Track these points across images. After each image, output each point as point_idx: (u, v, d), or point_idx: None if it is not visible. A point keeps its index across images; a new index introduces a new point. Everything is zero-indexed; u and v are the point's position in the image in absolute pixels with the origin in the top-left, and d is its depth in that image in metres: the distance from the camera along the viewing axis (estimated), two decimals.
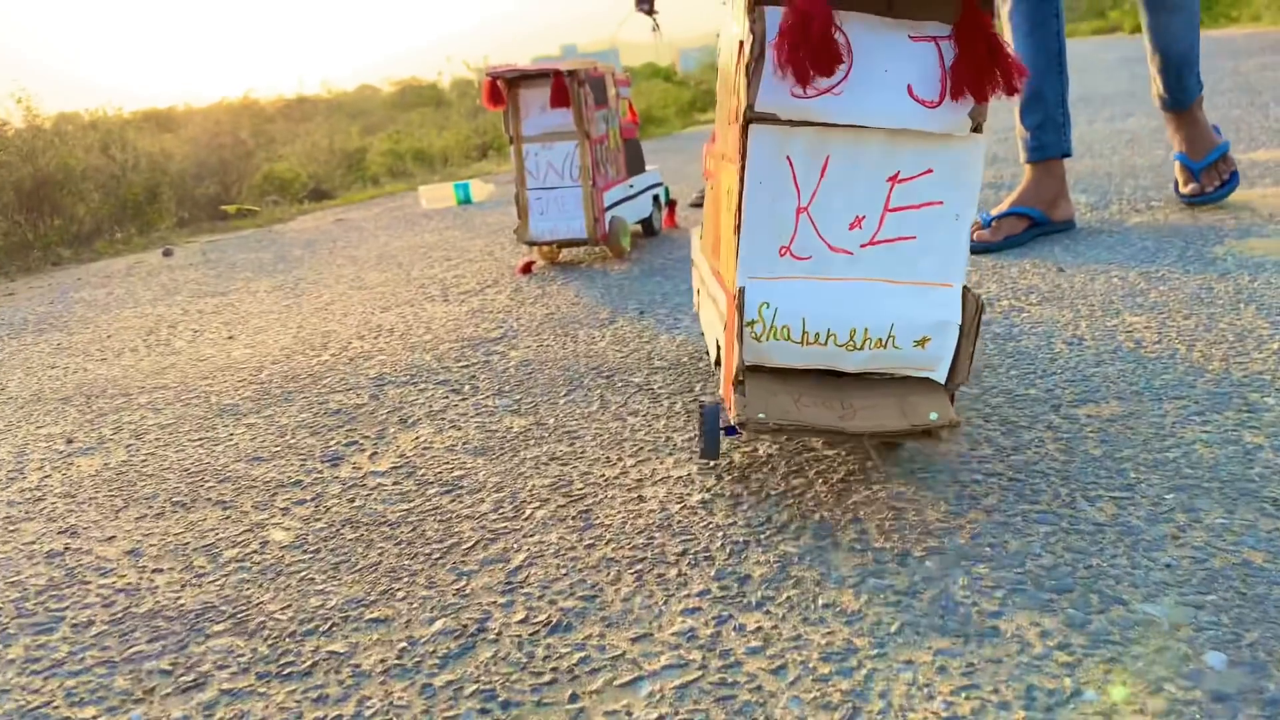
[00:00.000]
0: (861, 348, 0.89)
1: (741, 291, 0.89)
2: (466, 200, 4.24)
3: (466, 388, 1.47)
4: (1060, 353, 1.32)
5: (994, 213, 2.05)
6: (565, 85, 2.19)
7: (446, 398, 1.44)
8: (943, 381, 0.91)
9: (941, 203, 0.87)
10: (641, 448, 1.15)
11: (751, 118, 0.85)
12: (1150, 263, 1.74)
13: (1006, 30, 2.08)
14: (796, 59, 0.81)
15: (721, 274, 1.01)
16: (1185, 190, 2.19)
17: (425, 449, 1.24)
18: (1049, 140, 2.07)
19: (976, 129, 0.86)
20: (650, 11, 2.82)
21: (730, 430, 1.01)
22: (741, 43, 0.86)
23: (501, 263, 2.54)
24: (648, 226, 2.67)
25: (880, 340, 0.89)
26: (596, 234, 2.27)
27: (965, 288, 0.89)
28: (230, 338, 2.03)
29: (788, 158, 0.87)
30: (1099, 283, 1.65)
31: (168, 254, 3.72)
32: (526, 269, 2.37)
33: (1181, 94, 2.15)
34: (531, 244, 2.34)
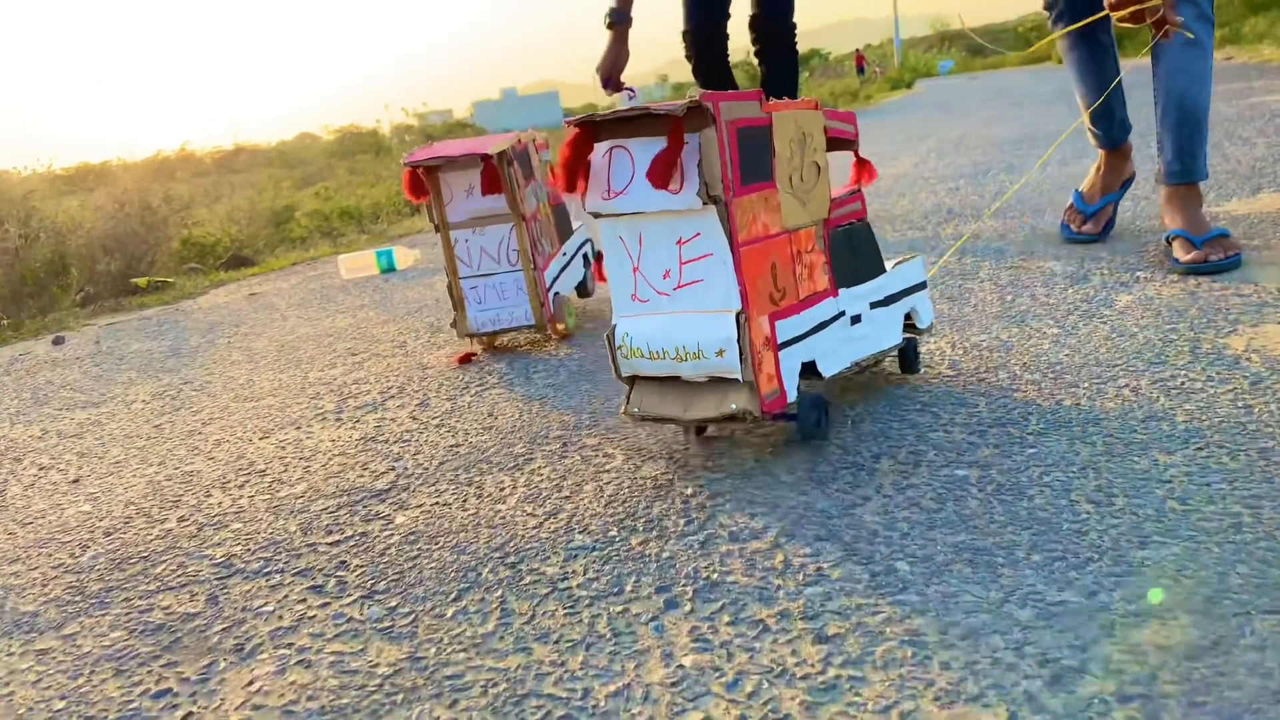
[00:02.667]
0: (686, 360, 1.22)
1: (614, 327, 1.29)
2: (390, 268, 3.89)
3: (331, 583, 1.11)
4: (1089, 518, 1.01)
5: (1088, 205, 2.36)
6: (496, 170, 1.98)
7: (304, 600, 1.08)
8: (742, 380, 1.20)
9: (712, 254, 1.18)
10: (548, 714, 0.82)
11: (592, 214, 1.25)
12: (1159, 363, 1.44)
13: (1067, 59, 2.33)
14: (559, 181, 1.25)
15: None
16: (1186, 258, 1.94)
17: (256, 709, 0.89)
18: (1119, 134, 2.35)
19: (711, 199, 1.15)
20: (619, 89, 2.72)
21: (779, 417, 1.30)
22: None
23: (412, 359, 2.20)
24: (581, 289, 2.45)
25: (695, 354, 1.21)
26: (545, 319, 2.07)
27: (738, 312, 1.18)
28: (75, 481, 1.66)
29: (620, 237, 1.25)
30: (1109, 397, 1.34)
31: (58, 342, 3.33)
32: (466, 359, 2.12)
33: (1194, 160, 2.04)
34: (472, 336, 2.13)
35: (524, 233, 2.02)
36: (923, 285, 1.53)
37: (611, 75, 2.76)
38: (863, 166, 1.44)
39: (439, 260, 3.99)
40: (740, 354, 1.18)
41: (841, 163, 1.46)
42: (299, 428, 1.79)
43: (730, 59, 3.04)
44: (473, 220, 2.04)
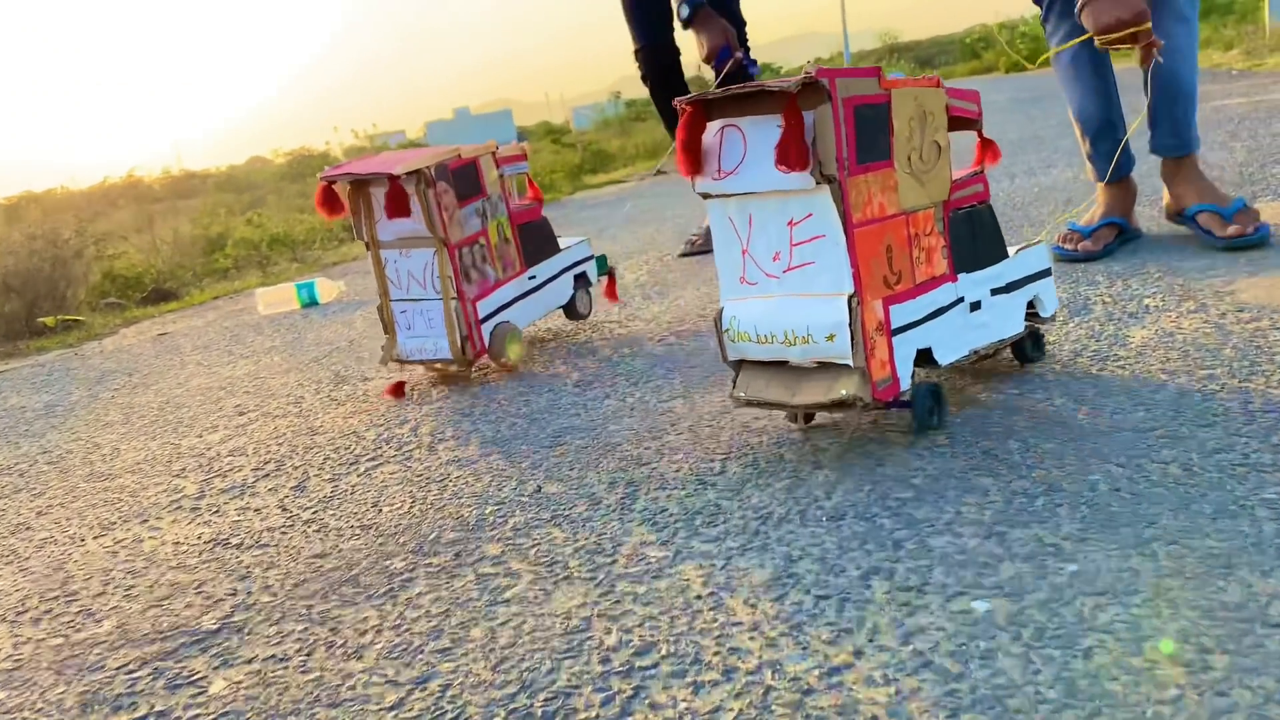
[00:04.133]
0: (794, 344, 1.18)
1: (720, 310, 1.25)
2: (311, 302, 3.52)
3: None
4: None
5: (1084, 223, 2.12)
6: (403, 192, 1.77)
7: None
8: (853, 365, 1.14)
9: (824, 235, 1.13)
10: None
11: (702, 195, 1.22)
12: (1208, 425, 1.12)
13: (1066, 75, 2.14)
14: (680, 161, 1.21)
15: None
16: (1226, 233, 1.94)
17: None
18: (1123, 161, 2.12)
19: (825, 179, 1.10)
20: (732, 58, 2.62)
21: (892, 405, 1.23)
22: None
23: (304, 420, 1.84)
24: (571, 310, 2.19)
25: (804, 338, 1.17)
26: (467, 353, 1.85)
27: (850, 295, 1.12)
28: None
29: (729, 218, 1.21)
30: (1153, 480, 1.02)
31: None
32: (397, 391, 1.92)
33: (1189, 131, 2.05)
34: (401, 363, 1.93)
35: (446, 259, 1.81)
36: (1047, 272, 1.44)
37: (728, 46, 2.61)
38: (987, 146, 1.35)
39: (364, 292, 3.63)
40: (852, 338, 1.13)
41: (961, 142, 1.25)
42: (145, 521, 1.43)
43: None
44: (400, 240, 1.84)
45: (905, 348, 1.19)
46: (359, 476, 1.46)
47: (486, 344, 1.88)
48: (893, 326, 1.16)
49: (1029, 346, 1.44)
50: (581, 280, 2.18)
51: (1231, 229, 1.92)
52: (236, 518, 1.38)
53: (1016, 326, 1.38)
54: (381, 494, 1.37)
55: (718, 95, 1.15)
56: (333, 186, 1.82)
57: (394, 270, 1.86)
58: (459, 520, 1.22)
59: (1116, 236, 2.11)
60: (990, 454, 1.15)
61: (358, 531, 1.24)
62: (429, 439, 1.59)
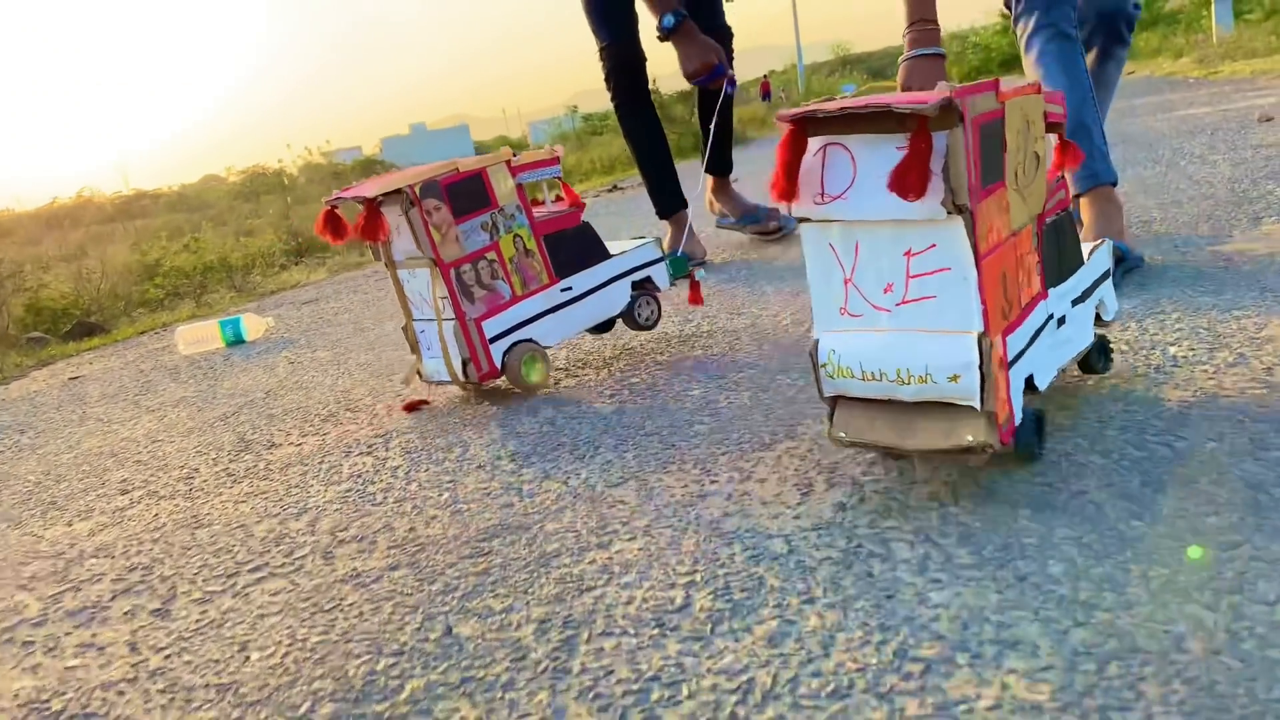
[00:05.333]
0: (908, 383, 1.05)
1: (816, 342, 1.11)
2: (237, 340, 3.20)
3: None
4: None
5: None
6: (377, 214, 1.69)
7: None
8: (981, 409, 1.01)
9: (949, 269, 1.00)
10: None
11: (799, 219, 1.07)
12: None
13: (1032, 73, 1.99)
14: (777, 186, 1.04)
15: None
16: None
17: None
18: (1100, 168, 1.97)
19: (956, 210, 0.96)
20: (722, 75, 2.55)
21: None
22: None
23: (188, 508, 1.53)
24: (630, 320, 2.01)
25: (921, 378, 1.03)
26: (470, 375, 1.76)
27: (980, 334, 1.00)
28: None
29: (830, 245, 1.07)
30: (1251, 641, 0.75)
31: None
32: (412, 408, 1.87)
33: (1093, 164, 1.98)
34: (431, 383, 1.87)
35: (439, 279, 1.72)
36: (1109, 273, 1.36)
37: (715, 61, 2.51)
38: (1066, 149, 1.22)
39: (296, 327, 3.31)
40: (982, 381, 1.01)
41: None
42: None
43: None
44: (407, 260, 1.76)
45: (1016, 379, 1.07)
46: (234, 598, 1.16)
47: (499, 365, 1.77)
48: (1008, 359, 1.04)
49: (1096, 358, 1.34)
50: (644, 286, 2.01)
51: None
52: (73, 661, 1.07)
53: (1089, 337, 1.29)
54: (255, 628, 1.07)
55: (827, 113, 1.00)
56: (335, 210, 1.71)
57: (410, 290, 1.79)
58: (341, 681, 0.92)
59: (1119, 264, 1.87)
60: (1030, 585, 0.87)
61: (212, 695, 0.94)
62: (327, 539, 1.28)
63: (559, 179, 1.94)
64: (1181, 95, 6.40)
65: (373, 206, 1.68)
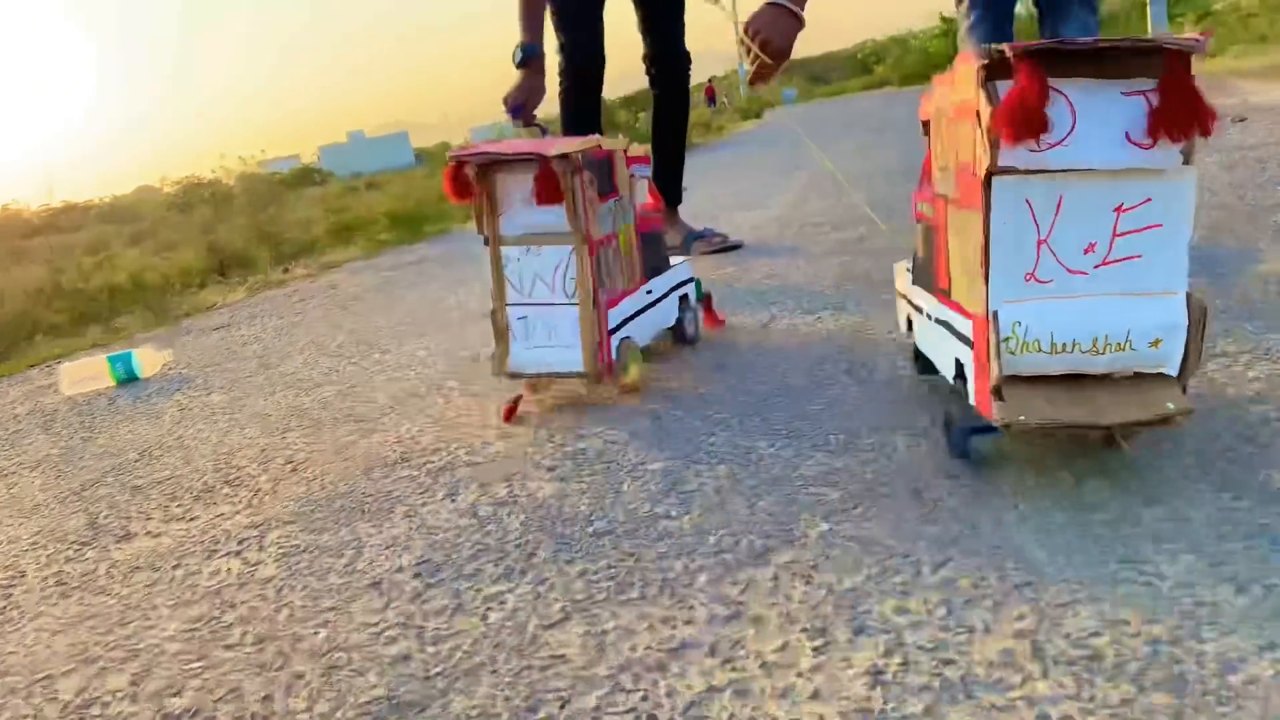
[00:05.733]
0: (1104, 353, 0.98)
1: (995, 315, 0.99)
2: (130, 377, 2.78)
3: None
4: None
5: None
6: (556, 175, 1.53)
7: None
8: (1174, 375, 0.97)
9: (1161, 225, 0.95)
10: None
11: (995, 171, 0.95)
12: None
13: (965, 47, 2.01)
14: (1013, 128, 0.92)
15: (961, 302, 1.09)
16: None
17: None
18: None
19: (1187, 160, 0.93)
20: (530, 123, 2.51)
21: (977, 430, 1.08)
22: (978, 111, 0.95)
23: (4, 630, 1.15)
24: (679, 333, 1.94)
25: (1120, 345, 0.97)
26: (598, 368, 1.61)
27: (1189, 293, 0.96)
28: None
29: (1027, 200, 0.97)
30: None
31: None
32: (511, 413, 1.64)
33: None
34: (514, 377, 1.66)
35: (586, 258, 1.58)
36: None
37: (524, 106, 2.47)
38: None
39: (199, 360, 2.90)
40: (1186, 344, 0.96)
41: None
42: None
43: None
44: (528, 236, 1.60)
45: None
46: None
47: (614, 359, 1.64)
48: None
49: None
50: (684, 301, 1.96)
51: None
52: None
53: None
54: None
55: (1052, 48, 0.91)
56: (464, 168, 1.57)
57: (515, 270, 1.61)
58: None
59: None
60: None
61: None
62: (148, 713, 0.91)
63: (647, 179, 1.92)
64: None
65: (457, 168, 1.56)
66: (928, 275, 1.26)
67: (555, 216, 1.56)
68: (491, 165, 1.57)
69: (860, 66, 21.23)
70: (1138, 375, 0.99)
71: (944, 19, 18.75)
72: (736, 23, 2.20)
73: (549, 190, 1.53)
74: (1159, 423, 0.96)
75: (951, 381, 1.17)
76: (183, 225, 11.70)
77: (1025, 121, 0.92)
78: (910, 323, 1.41)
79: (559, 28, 2.69)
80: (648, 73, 2.88)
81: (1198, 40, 0.91)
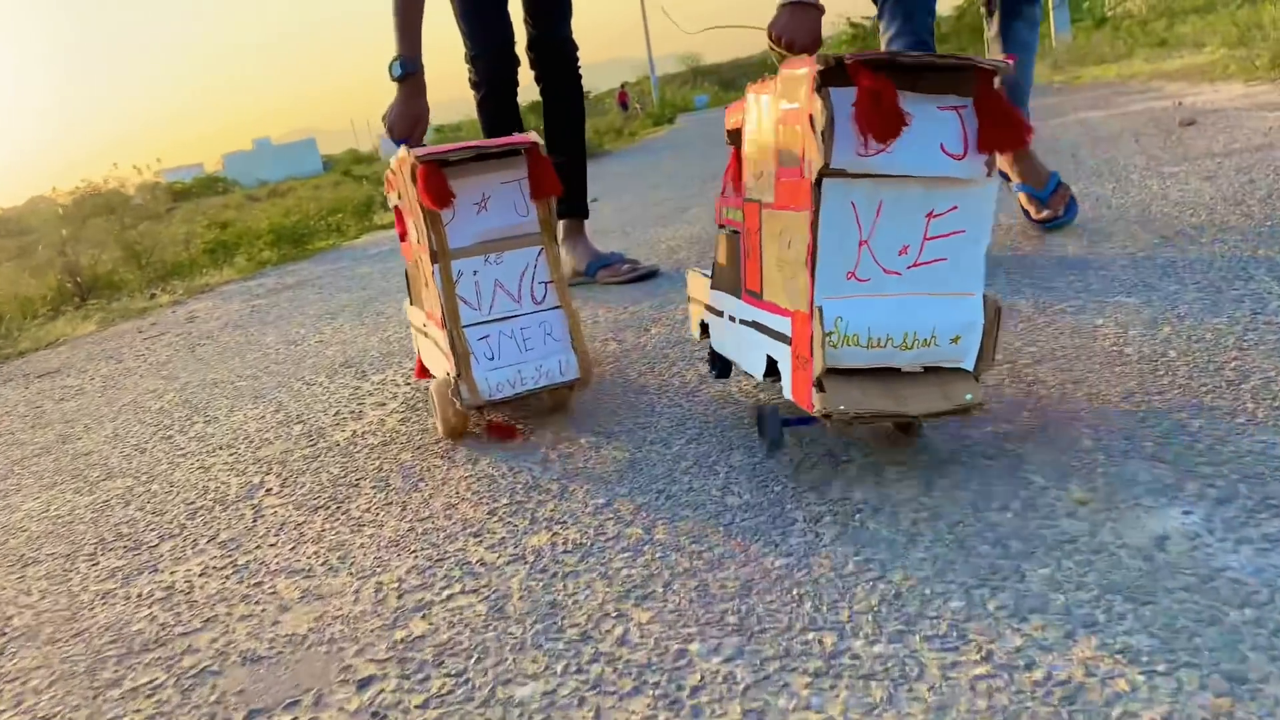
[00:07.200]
0: (911, 348, 1.02)
1: (819, 309, 1.01)
2: None
3: None
4: None
5: (1039, 189, 2.11)
6: (549, 165, 1.38)
7: None
8: (971, 369, 1.02)
9: (964, 231, 1.00)
10: None
11: (825, 174, 0.98)
12: None
13: (994, 52, 2.18)
14: (872, 126, 0.94)
15: (776, 301, 1.11)
16: (1040, 216, 2.13)
17: None
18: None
19: (990, 172, 0.98)
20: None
21: (788, 422, 1.13)
22: (810, 116, 0.97)
23: None
24: None
25: (926, 341, 1.01)
26: (589, 369, 1.42)
27: (985, 294, 1.01)
28: None
29: (852, 203, 1.00)
30: None
31: None
32: (509, 434, 1.42)
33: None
34: (484, 406, 1.39)
35: (557, 257, 1.42)
36: None
37: (413, 134, 2.09)
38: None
39: None
40: (983, 340, 1.01)
41: None
42: None
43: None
44: (483, 245, 1.39)
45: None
46: None
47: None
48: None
49: None
50: None
51: (1045, 213, 2.12)
52: None
53: None
54: None
55: (897, 60, 0.93)
56: (440, 168, 1.33)
57: (470, 285, 1.40)
58: None
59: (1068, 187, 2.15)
60: None
61: None
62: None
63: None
64: (1059, 100, 5.89)
65: (431, 170, 1.32)
66: (732, 279, 1.25)
67: (515, 217, 1.40)
68: (435, 168, 1.36)
69: (772, 71, 20.94)
70: (938, 369, 1.03)
71: (852, 24, 18.59)
72: (717, 27, 2.55)
73: (543, 182, 1.38)
74: (958, 413, 1.01)
75: (760, 379, 1.18)
76: (72, 240, 10.81)
77: (883, 123, 0.94)
78: (705, 327, 1.40)
79: (462, 22, 2.37)
80: (532, 66, 2.46)
81: (1006, 62, 0.96)
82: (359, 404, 1.75)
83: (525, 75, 2.45)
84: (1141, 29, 12.04)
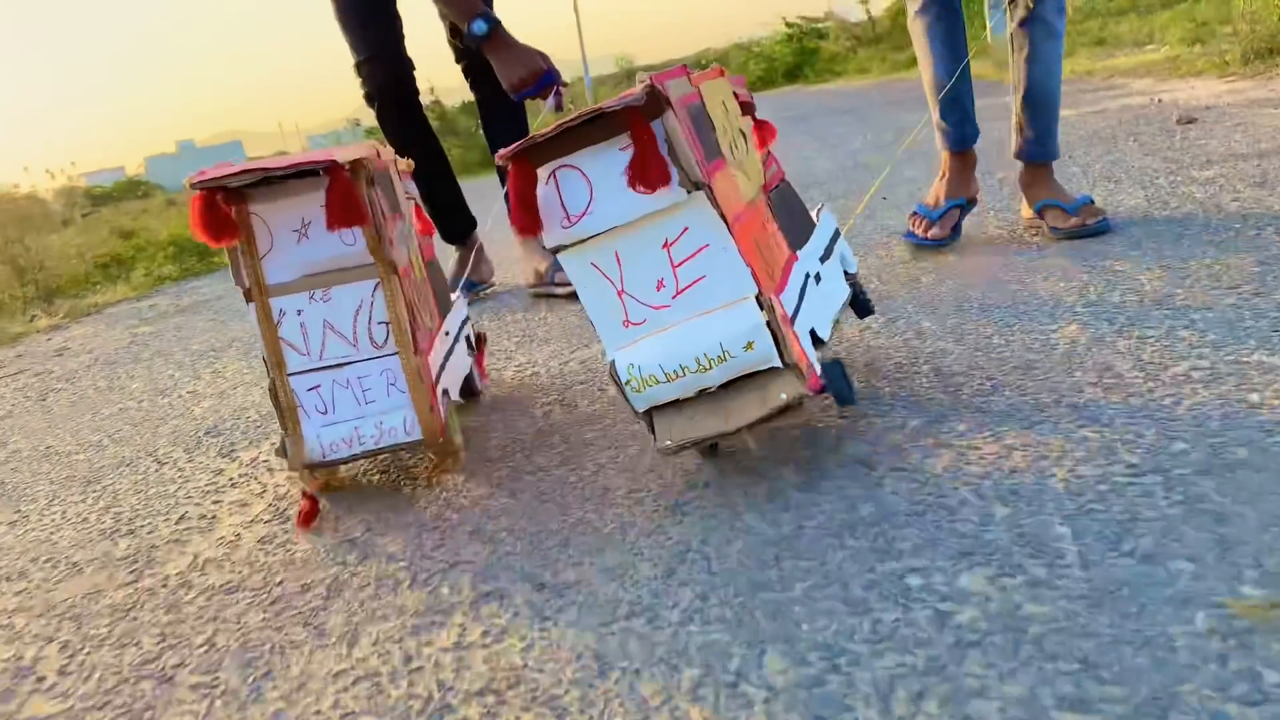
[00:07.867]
0: (711, 368, 0.99)
1: (612, 364, 1.02)
2: None
3: None
4: None
5: (929, 204, 1.99)
6: (351, 187, 1.12)
7: None
8: (781, 366, 0.98)
9: (708, 245, 0.98)
10: None
11: (554, 250, 1.00)
12: None
13: (921, 44, 1.99)
14: (518, 223, 0.98)
15: None
16: (1066, 225, 1.89)
17: None
18: (969, 132, 1.98)
19: (695, 187, 0.95)
20: (555, 88, 1.95)
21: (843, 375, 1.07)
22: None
23: None
24: (468, 389, 1.48)
25: (720, 357, 0.98)
26: (436, 429, 1.18)
27: (756, 295, 0.97)
28: None
29: (592, 264, 1.01)
30: None
31: None
32: (310, 518, 1.15)
33: (1052, 141, 1.96)
34: (315, 468, 1.18)
35: (398, 292, 1.17)
36: (839, 231, 1.34)
37: (545, 68, 1.91)
38: (762, 127, 1.25)
39: None
40: (774, 339, 0.98)
41: None
42: None
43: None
44: (309, 279, 1.17)
45: (803, 333, 1.03)
46: None
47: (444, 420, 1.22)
48: (789, 315, 1.01)
49: (861, 304, 1.32)
50: (470, 345, 1.50)
51: (1071, 222, 1.91)
52: None
53: (844, 288, 1.27)
54: None
55: (545, 136, 0.94)
56: (218, 197, 1.12)
57: (294, 326, 1.16)
58: None
59: (960, 215, 2.00)
60: None
61: None
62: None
63: (415, 200, 1.50)
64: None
65: (209, 199, 1.11)
66: None
67: (342, 246, 1.17)
68: (240, 192, 1.14)
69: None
70: (758, 374, 0.99)
71: (787, 24, 18.32)
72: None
73: (344, 211, 1.12)
74: (781, 414, 0.98)
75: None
76: None
77: (519, 219, 0.97)
78: None
79: (351, 45, 2.19)
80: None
81: (634, 93, 0.92)
82: (215, 502, 1.29)
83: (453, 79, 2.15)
84: (1079, 30, 11.94)
